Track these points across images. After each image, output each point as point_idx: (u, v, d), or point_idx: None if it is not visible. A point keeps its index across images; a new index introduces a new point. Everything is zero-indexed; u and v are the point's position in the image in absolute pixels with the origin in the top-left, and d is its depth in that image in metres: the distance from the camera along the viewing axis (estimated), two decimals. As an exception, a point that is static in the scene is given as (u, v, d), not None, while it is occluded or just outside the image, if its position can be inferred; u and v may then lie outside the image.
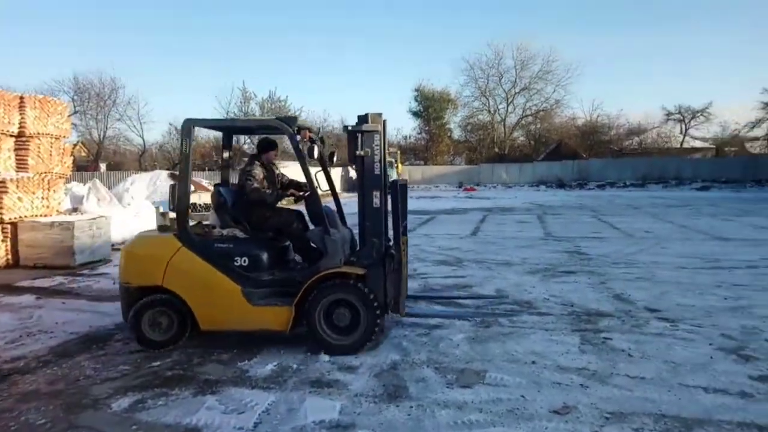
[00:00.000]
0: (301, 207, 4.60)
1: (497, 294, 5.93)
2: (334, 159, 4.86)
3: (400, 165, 33.26)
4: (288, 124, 4.17)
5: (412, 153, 46.65)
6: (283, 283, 4.15)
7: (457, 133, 48.30)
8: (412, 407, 3.10)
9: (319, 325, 3.99)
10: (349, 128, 4.23)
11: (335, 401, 3.20)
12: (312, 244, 4.36)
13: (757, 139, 40.64)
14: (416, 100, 45.73)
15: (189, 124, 4.18)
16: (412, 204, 21.11)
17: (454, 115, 47.34)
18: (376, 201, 4.19)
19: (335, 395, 3.29)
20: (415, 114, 46.25)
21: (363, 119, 4.20)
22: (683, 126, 43.68)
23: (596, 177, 36.96)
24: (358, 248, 4.30)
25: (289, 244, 4.61)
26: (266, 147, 4.64)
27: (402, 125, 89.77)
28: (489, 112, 47.42)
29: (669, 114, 43.11)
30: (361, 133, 4.16)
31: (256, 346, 4.14)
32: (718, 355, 3.97)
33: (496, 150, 45.33)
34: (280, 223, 4.48)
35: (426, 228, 12.82)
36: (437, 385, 3.39)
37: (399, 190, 4.32)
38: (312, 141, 4.36)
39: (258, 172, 4.45)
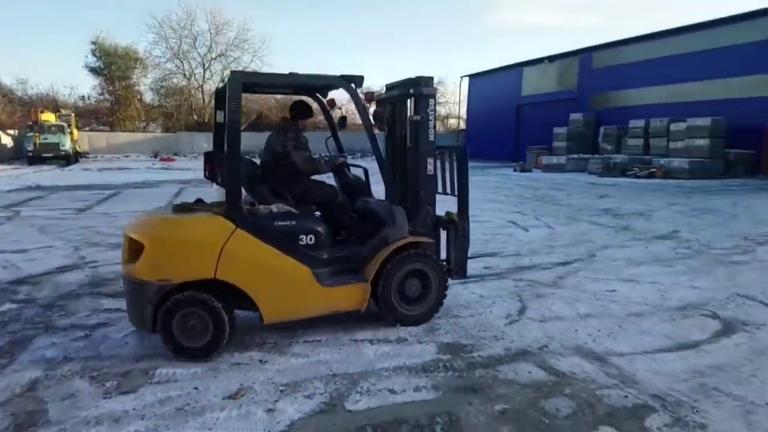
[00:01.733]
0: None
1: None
2: (345, 124, 4.37)
3: (75, 131, 28.40)
4: (355, 83, 3.77)
5: (93, 117, 40.56)
6: (348, 260, 3.87)
7: (149, 97, 44.00)
8: (52, 435, 2.52)
9: (394, 297, 3.84)
10: (410, 92, 4.00)
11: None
12: (349, 217, 4.15)
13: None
14: (95, 55, 39.68)
15: (238, 79, 3.49)
16: (92, 177, 18.58)
17: (144, 77, 42.88)
18: (430, 168, 4.05)
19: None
20: (94, 71, 40.16)
21: (412, 83, 3.98)
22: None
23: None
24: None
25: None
26: (305, 112, 4.17)
27: (77, 83, 76.60)
28: (185, 76, 44.51)
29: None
30: (413, 97, 3.97)
31: None
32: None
33: (195, 118, 43.08)
34: (325, 196, 4.11)
35: (106, 206, 11.22)
36: (90, 399, 2.84)
37: (463, 158, 4.18)
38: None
39: (304, 139, 4.04)
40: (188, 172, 22.33)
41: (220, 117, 3.88)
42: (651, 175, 18.86)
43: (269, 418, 2.66)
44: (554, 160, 23.92)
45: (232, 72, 3.62)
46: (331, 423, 2.64)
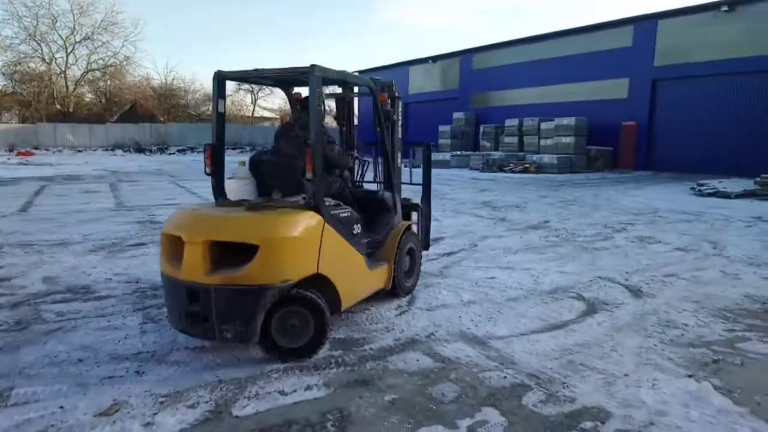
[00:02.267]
0: None
1: (45, 283, 4.93)
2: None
3: None
4: (382, 88, 4.42)
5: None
6: (370, 245, 4.15)
7: (0, 83, 39.08)
8: None
9: (400, 273, 4.39)
10: (397, 95, 4.58)
11: None
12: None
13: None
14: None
15: (317, 74, 3.42)
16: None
17: (-6, 59, 37.99)
18: (398, 161, 4.68)
19: None
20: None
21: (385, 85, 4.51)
22: (253, 96, 47.86)
23: (177, 141, 36.56)
24: None
25: None
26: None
27: None
28: (44, 60, 40.11)
29: (240, 84, 46.37)
30: (393, 99, 4.50)
31: None
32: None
33: (59, 107, 39.05)
34: (340, 188, 4.22)
35: (-51, 207, 9.78)
36: (-74, 432, 2.46)
37: (429, 153, 5.44)
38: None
39: (330, 135, 4.10)
40: (50, 167, 20.18)
41: (221, 106, 3.72)
42: (525, 170, 20.35)
43: (148, 433, 2.48)
44: (440, 156, 24.91)
45: (311, 66, 3.40)
46: (217, 431, 2.52)
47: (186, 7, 73.46)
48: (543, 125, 22.55)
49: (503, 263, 5.89)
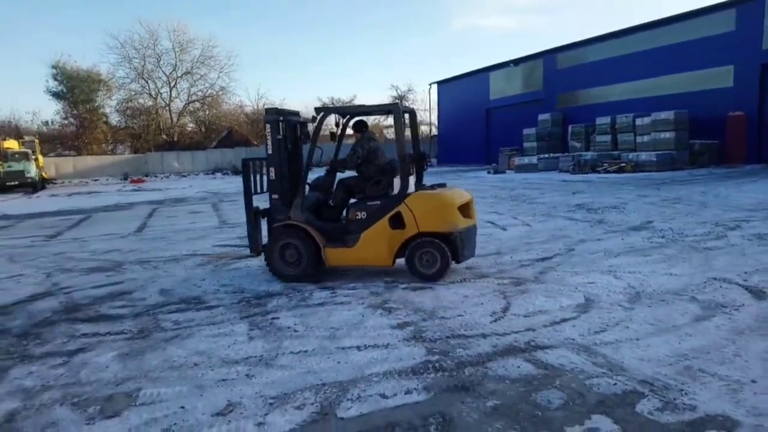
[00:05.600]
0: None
1: (161, 295, 5.36)
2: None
3: (40, 157, 27.67)
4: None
5: (58, 142, 39.73)
6: None
7: (115, 119, 43.36)
8: (35, 466, 2.42)
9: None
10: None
11: None
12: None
13: (391, 126, 49.70)
14: (56, 79, 38.99)
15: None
16: (60, 203, 18.13)
17: (108, 99, 42.28)
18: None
19: None
20: (57, 95, 39.45)
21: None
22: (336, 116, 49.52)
23: (269, 162, 38.45)
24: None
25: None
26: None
27: (40, 107, 75.59)
28: (150, 95, 44.02)
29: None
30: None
31: None
32: (367, 312, 4.42)
33: (164, 137, 42.58)
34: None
35: (77, 231, 10.94)
36: (72, 426, 2.74)
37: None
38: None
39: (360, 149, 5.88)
40: (158, 192, 21.99)
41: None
42: (620, 170, 19.27)
43: (260, 432, 2.61)
44: (526, 160, 24.27)
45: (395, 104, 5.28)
46: (324, 432, 2.60)
47: (273, 35, 77.56)
48: (638, 121, 21.29)
49: (604, 267, 5.59)
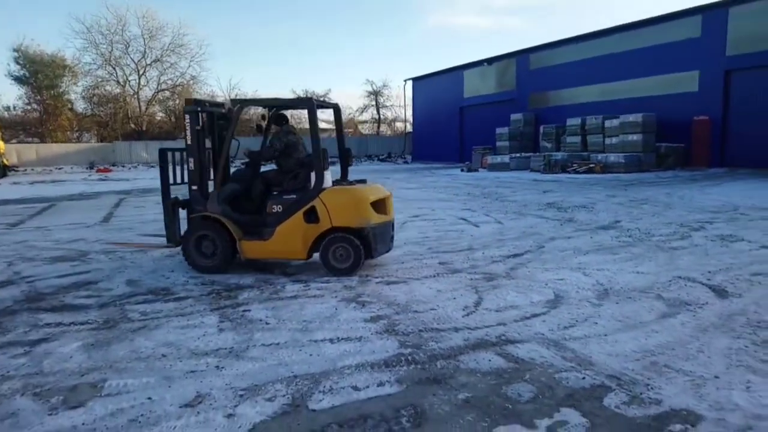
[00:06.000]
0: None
1: (128, 285, 5.23)
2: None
3: (1, 143, 26.60)
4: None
5: (20, 128, 38.32)
6: None
7: (81, 106, 41.94)
8: (-7, 458, 2.33)
9: None
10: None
11: None
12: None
13: (365, 121, 49.76)
14: (18, 63, 37.55)
15: None
16: (23, 191, 17.51)
17: (74, 85, 40.87)
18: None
19: None
20: (19, 80, 38.01)
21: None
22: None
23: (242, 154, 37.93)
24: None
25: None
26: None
27: (1, 92, 72.33)
28: (118, 83, 42.77)
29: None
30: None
31: None
32: (341, 305, 4.39)
33: (133, 126, 41.48)
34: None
35: (40, 219, 10.58)
36: (34, 416, 2.65)
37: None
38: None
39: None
40: (126, 182, 21.43)
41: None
42: (590, 171, 19.67)
43: (230, 423, 2.57)
44: (498, 159, 24.53)
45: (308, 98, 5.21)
46: (295, 423, 2.57)
47: (248, 27, 76.28)
48: (607, 123, 21.73)
49: (573, 264, 5.69)
